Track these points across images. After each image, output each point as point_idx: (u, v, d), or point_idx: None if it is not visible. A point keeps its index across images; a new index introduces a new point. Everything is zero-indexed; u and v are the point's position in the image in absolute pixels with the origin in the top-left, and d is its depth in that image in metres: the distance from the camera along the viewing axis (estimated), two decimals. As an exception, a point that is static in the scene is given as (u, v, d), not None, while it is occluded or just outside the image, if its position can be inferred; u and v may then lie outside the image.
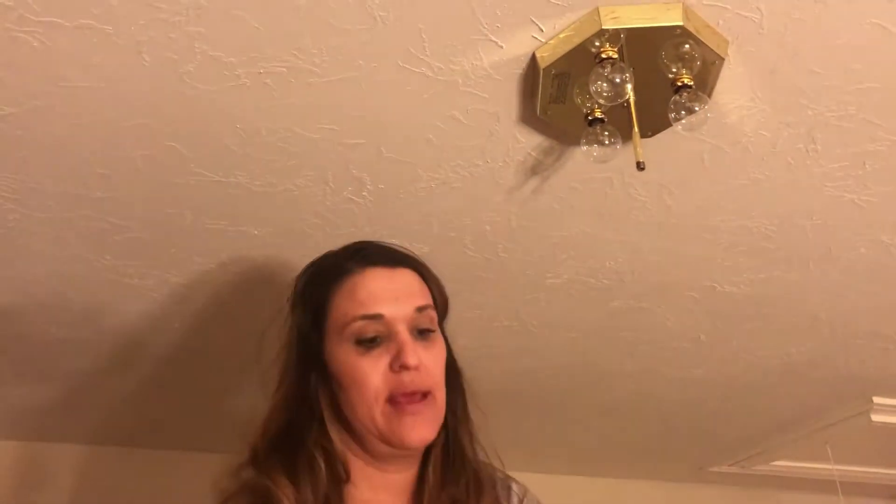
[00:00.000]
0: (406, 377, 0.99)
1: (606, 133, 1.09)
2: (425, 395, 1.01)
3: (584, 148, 1.11)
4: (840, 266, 1.54)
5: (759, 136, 1.22)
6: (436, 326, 1.06)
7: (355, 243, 1.13)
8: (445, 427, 1.05)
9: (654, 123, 1.15)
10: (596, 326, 1.76)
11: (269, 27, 1.01)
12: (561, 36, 1.03)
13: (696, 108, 1.05)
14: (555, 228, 1.43)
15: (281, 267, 1.47)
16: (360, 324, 1.01)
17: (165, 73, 1.06)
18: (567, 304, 1.67)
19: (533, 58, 1.07)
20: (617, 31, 1.01)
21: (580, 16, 1.01)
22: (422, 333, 1.03)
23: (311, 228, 1.39)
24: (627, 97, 1.04)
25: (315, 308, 1.06)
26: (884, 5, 1.00)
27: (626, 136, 1.08)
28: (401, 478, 1.06)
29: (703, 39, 1.02)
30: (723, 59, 1.05)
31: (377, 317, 1.01)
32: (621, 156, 1.12)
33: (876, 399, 2.14)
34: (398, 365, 0.99)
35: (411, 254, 1.11)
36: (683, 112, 1.06)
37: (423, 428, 1.00)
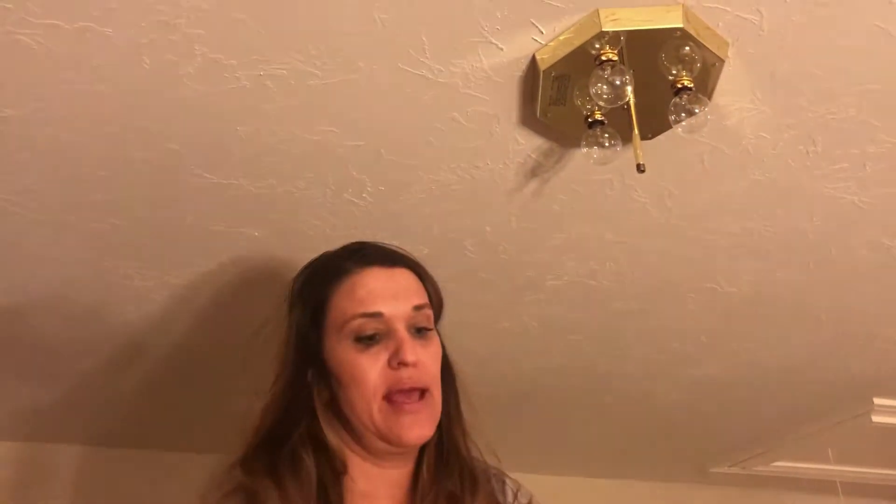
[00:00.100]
0: (404, 374, 1.01)
1: (606, 135, 1.09)
2: (423, 393, 1.04)
3: (585, 150, 1.11)
4: (840, 267, 1.54)
5: (760, 138, 1.22)
6: (432, 325, 1.09)
7: (353, 244, 1.15)
8: (439, 424, 1.07)
9: (655, 125, 1.15)
10: (597, 328, 1.76)
11: (269, 29, 1.01)
12: (561, 38, 1.03)
13: (697, 110, 1.05)
14: (555, 230, 1.43)
15: (281, 268, 1.46)
16: (359, 321, 1.03)
17: (166, 76, 1.06)
18: (568, 306, 1.67)
19: (533, 60, 1.07)
20: (617, 34, 1.01)
21: (580, 18, 1.01)
22: (419, 332, 1.06)
23: (312, 230, 1.39)
24: (627, 99, 1.04)
25: (314, 306, 1.08)
26: (884, 7, 1.00)
27: (627, 139, 1.08)
28: (397, 473, 1.08)
29: (703, 41, 1.02)
30: (723, 61, 1.05)
31: (376, 315, 1.04)
32: (621, 158, 1.12)
33: (876, 400, 2.14)
34: (396, 362, 1.02)
35: (408, 254, 1.14)
36: (683, 114, 1.06)
37: (420, 427, 1.03)
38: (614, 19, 1.00)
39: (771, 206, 1.37)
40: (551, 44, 1.04)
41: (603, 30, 1.00)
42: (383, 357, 1.03)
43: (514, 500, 1.15)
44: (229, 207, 1.33)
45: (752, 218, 1.40)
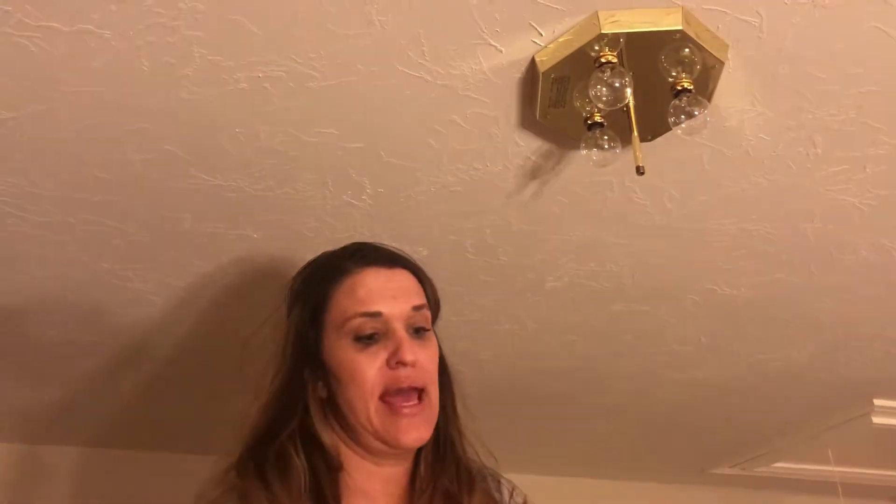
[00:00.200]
0: (402, 373, 1.03)
1: (606, 137, 1.09)
2: (420, 394, 1.05)
3: (584, 152, 1.11)
4: (841, 269, 1.54)
5: (760, 140, 1.22)
6: (430, 326, 1.11)
7: (353, 244, 1.17)
8: (436, 423, 1.08)
9: (654, 127, 1.15)
10: (597, 329, 1.76)
11: (267, 31, 1.01)
12: (560, 40, 1.03)
13: (696, 113, 1.05)
14: (555, 232, 1.43)
15: (281, 270, 1.46)
16: (358, 321, 1.05)
17: (164, 78, 1.06)
18: (568, 307, 1.67)
19: (532, 62, 1.06)
20: (616, 36, 1.01)
21: (579, 20, 1.01)
22: (417, 332, 1.07)
23: (311, 232, 1.39)
24: (627, 101, 1.04)
25: (314, 305, 1.09)
26: (883, 9, 1.00)
27: (626, 140, 1.07)
28: (395, 471, 1.09)
29: (702, 44, 1.02)
30: (723, 63, 1.05)
31: (376, 314, 1.05)
32: (621, 160, 1.12)
33: (877, 401, 2.14)
34: (395, 361, 1.03)
35: (407, 255, 1.15)
36: (683, 116, 1.06)
37: (418, 429, 1.04)
38: (614, 21, 1.00)
39: (771, 208, 1.37)
40: (551, 46, 1.04)
41: (602, 32, 1.00)
42: (382, 356, 1.04)
43: (509, 499, 1.16)
44: (228, 209, 1.33)
45: (752, 220, 1.40)
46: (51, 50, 1.01)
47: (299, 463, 1.02)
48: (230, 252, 1.44)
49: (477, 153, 1.23)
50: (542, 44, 1.04)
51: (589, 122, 1.09)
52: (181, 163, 1.22)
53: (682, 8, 1.00)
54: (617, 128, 1.08)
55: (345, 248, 1.16)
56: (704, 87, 1.07)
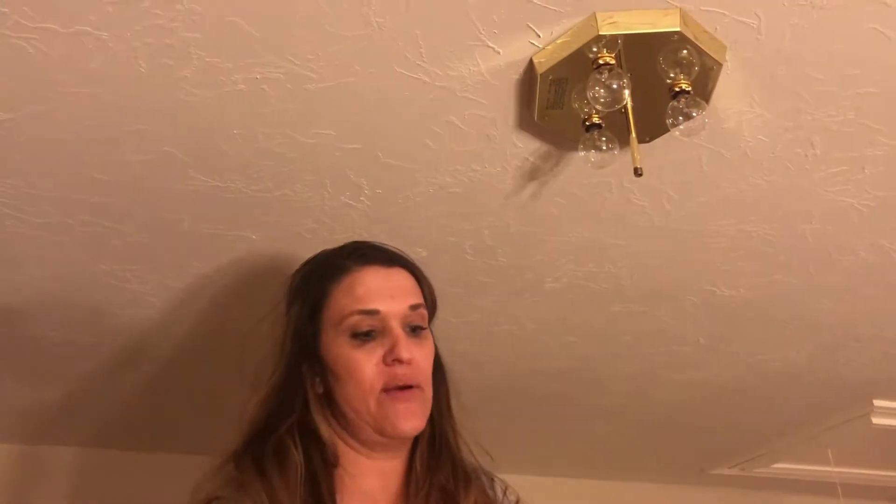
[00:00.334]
0: (399, 370, 1.05)
1: (604, 139, 1.09)
2: (416, 391, 1.06)
3: (582, 153, 1.11)
4: (840, 270, 1.54)
5: (758, 142, 1.22)
6: (427, 324, 1.13)
7: (352, 243, 1.19)
8: (431, 420, 1.10)
9: (653, 129, 1.15)
10: (596, 330, 1.76)
11: (265, 33, 1.01)
12: (558, 42, 1.03)
13: (695, 114, 1.05)
14: (554, 233, 1.43)
15: (279, 271, 1.46)
16: (356, 318, 1.07)
17: (162, 79, 1.06)
18: (567, 308, 1.67)
19: (530, 63, 1.06)
20: (614, 37, 1.01)
21: (577, 22, 1.01)
22: (414, 330, 1.09)
23: (309, 233, 1.39)
24: (625, 103, 1.04)
25: (313, 302, 1.11)
26: (881, 10, 1.00)
27: (625, 142, 1.08)
28: (390, 465, 1.10)
29: (700, 45, 1.02)
30: (721, 65, 1.05)
31: (373, 312, 1.07)
32: (619, 161, 1.12)
33: (876, 402, 2.14)
34: (391, 358, 1.05)
35: (405, 255, 1.17)
36: (681, 117, 1.06)
37: (415, 416, 1.05)
38: (611, 23, 1.00)
39: (770, 209, 1.37)
40: (548, 47, 1.04)
41: (600, 33, 1.00)
42: (378, 353, 1.06)
43: (503, 497, 1.18)
44: (226, 210, 1.33)
45: (751, 221, 1.40)
46: (48, 51, 1.01)
47: (297, 456, 1.03)
48: (229, 253, 1.44)
49: (475, 154, 1.23)
50: (539, 45, 1.04)
51: (587, 123, 1.08)
52: (179, 164, 1.22)
53: (680, 9, 1.00)
54: (615, 129, 1.08)
55: (344, 247, 1.17)
56: (703, 89, 1.07)
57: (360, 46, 1.03)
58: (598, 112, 1.07)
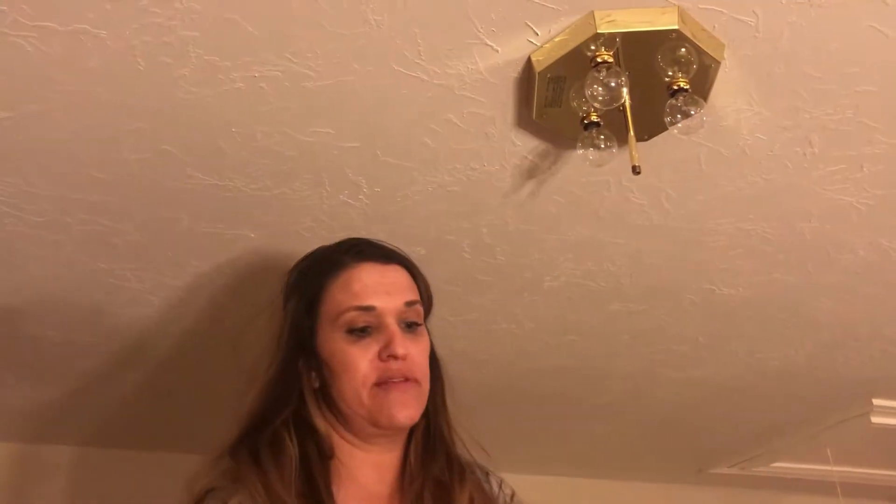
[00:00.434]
0: (394, 365, 1.06)
1: (602, 137, 1.09)
2: (411, 385, 1.07)
3: (581, 152, 1.11)
4: (838, 268, 1.54)
5: (757, 140, 1.22)
6: (422, 321, 1.14)
7: (349, 239, 1.20)
8: (426, 414, 1.11)
9: (651, 127, 1.15)
10: (594, 329, 1.76)
11: (263, 31, 1.01)
12: (556, 40, 1.03)
13: (693, 112, 1.05)
14: (552, 231, 1.43)
15: (278, 270, 1.46)
16: (352, 314, 1.08)
17: (160, 77, 1.06)
18: (565, 307, 1.67)
19: (528, 61, 1.06)
20: (612, 35, 1.01)
21: (575, 20, 1.01)
22: (409, 326, 1.10)
23: (308, 232, 1.39)
24: (623, 101, 1.04)
25: (310, 298, 1.12)
26: (880, 9, 1.00)
27: (623, 140, 1.08)
28: (385, 458, 1.12)
29: (698, 43, 1.02)
30: (719, 63, 1.05)
31: (369, 308, 1.08)
32: (618, 159, 1.12)
33: (875, 401, 2.14)
34: (387, 354, 1.06)
35: (402, 252, 1.18)
36: (680, 116, 1.06)
37: (409, 406, 1.06)
38: (610, 21, 1.00)
39: (768, 208, 1.37)
40: (547, 45, 1.04)
41: (598, 32, 1.00)
42: (374, 349, 1.07)
43: (499, 491, 1.19)
44: (225, 209, 1.33)
45: (750, 219, 1.40)
46: (47, 50, 1.01)
47: (293, 448, 1.04)
48: (227, 252, 1.44)
49: (473, 153, 1.23)
50: (538, 43, 1.04)
51: (585, 121, 1.09)
52: (178, 163, 1.22)
53: (678, 7, 1.00)
54: (613, 127, 1.08)
55: (341, 243, 1.18)
56: (701, 87, 1.07)
57: (358, 45, 1.03)
58: (596, 110, 1.07)
